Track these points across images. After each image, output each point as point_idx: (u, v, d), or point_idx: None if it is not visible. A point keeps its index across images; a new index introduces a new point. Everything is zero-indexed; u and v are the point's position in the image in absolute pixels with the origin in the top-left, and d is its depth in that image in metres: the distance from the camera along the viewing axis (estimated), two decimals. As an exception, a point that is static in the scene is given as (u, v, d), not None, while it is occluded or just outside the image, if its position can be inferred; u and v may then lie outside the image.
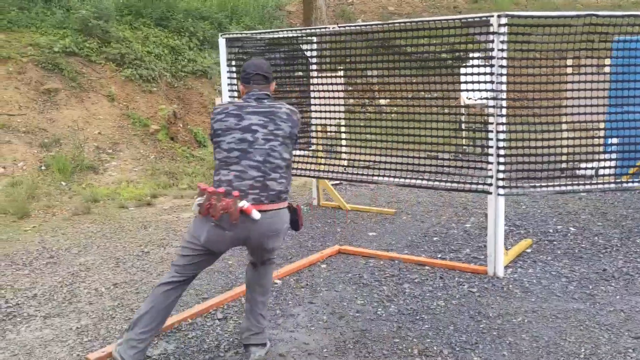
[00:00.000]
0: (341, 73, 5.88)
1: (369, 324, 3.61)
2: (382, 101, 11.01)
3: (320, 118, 5.65)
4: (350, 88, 7.81)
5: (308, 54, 5.86)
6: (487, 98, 4.30)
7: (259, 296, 3.27)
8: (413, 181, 4.73)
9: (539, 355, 3.16)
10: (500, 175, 4.21)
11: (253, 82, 3.18)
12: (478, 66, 4.31)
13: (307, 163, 5.54)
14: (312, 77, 5.94)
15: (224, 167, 3.00)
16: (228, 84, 5.59)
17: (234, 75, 5.62)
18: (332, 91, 5.42)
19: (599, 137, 5.09)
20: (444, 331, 3.49)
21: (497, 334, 3.43)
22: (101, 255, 5.12)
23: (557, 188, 4.49)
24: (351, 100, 8.60)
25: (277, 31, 5.75)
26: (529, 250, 4.89)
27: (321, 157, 6.14)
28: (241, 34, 5.90)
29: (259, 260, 3.24)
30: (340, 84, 5.73)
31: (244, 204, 2.89)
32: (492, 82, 4.18)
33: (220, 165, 3.02)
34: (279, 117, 3.08)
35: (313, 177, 6.19)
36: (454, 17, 4.48)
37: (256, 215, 2.89)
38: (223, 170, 3.00)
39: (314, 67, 5.98)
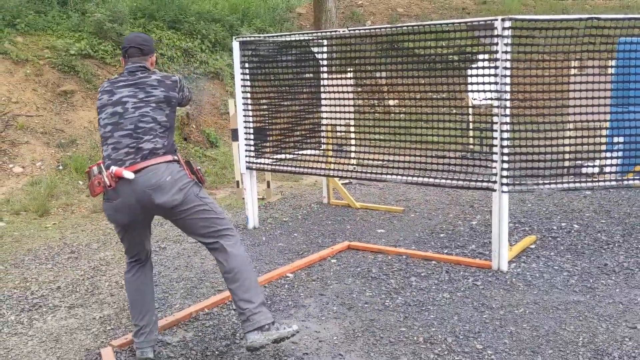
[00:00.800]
0: (350, 75, 6.06)
1: (377, 314, 3.79)
2: (391, 102, 11.17)
3: (330, 118, 5.84)
4: (359, 89, 7.99)
5: (319, 56, 6.04)
6: (491, 98, 4.47)
7: (229, 284, 3.16)
8: (420, 179, 4.89)
9: (539, 344, 3.33)
10: (504, 173, 4.36)
11: (129, 56, 3.25)
12: (483, 68, 4.47)
13: (317, 162, 5.71)
14: (323, 79, 6.12)
15: (104, 142, 3.12)
16: (242, 86, 5.78)
17: (247, 77, 5.80)
18: (342, 92, 5.59)
19: (601, 136, 5.22)
20: (449, 321, 3.65)
21: (499, 323, 3.60)
22: (119, 250, 5.33)
23: (560, 186, 4.64)
24: (360, 101, 8.77)
25: (290, 34, 5.94)
26: (532, 246, 5.04)
27: (331, 157, 6.32)
28: (255, 37, 6.09)
29: (192, 230, 3.17)
30: (350, 85, 5.90)
31: (112, 169, 2.99)
32: (496, 83, 4.34)
33: (102, 142, 3.15)
34: (149, 84, 3.16)
35: (323, 175, 6.38)
36: (461, 20, 4.64)
37: (128, 174, 2.97)
38: (103, 146, 3.12)
39: (324, 69, 6.16)
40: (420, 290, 4.18)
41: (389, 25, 5.27)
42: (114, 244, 5.53)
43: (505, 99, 4.31)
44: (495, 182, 4.41)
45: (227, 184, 8.28)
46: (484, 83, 4.47)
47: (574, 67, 5.84)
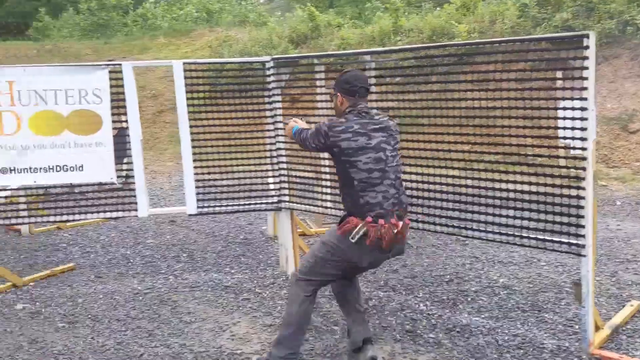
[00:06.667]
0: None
1: None
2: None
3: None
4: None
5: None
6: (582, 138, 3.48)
7: (360, 305, 3.52)
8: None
9: None
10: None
11: (359, 96, 3.26)
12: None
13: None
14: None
15: (368, 188, 3.11)
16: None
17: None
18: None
19: None
20: None
21: None
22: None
23: None
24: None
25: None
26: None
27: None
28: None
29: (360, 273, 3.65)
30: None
31: (407, 226, 3.24)
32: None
33: (363, 187, 3.11)
34: (392, 130, 3.26)
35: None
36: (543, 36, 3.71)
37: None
38: (369, 192, 3.10)
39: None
40: None
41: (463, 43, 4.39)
42: None
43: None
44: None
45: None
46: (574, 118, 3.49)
47: None
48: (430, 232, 5.19)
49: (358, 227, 3.06)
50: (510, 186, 3.81)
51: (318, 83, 4.67)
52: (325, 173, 4.74)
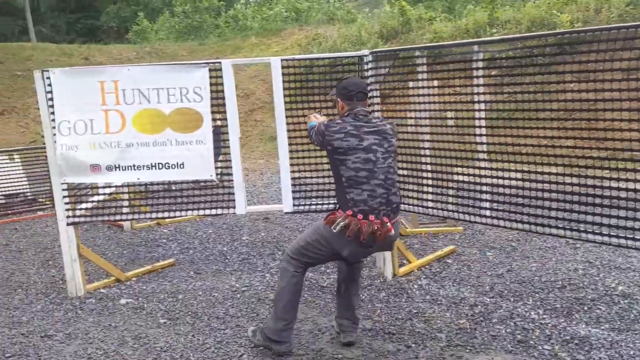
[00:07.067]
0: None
1: None
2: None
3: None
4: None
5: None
6: None
7: (355, 290, 3.74)
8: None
9: None
10: None
11: (356, 99, 3.47)
12: None
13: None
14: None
15: (355, 186, 3.31)
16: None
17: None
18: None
19: None
20: None
21: None
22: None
23: None
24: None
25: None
26: None
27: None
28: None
29: (359, 261, 3.69)
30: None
31: (388, 224, 3.29)
32: None
33: (350, 184, 3.32)
34: (388, 133, 3.42)
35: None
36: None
37: (392, 232, 3.34)
38: (354, 189, 3.31)
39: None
40: None
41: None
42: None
43: None
44: None
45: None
46: None
47: None
48: (538, 234, 4.87)
49: (339, 219, 3.31)
50: (622, 184, 3.47)
51: (420, 76, 4.45)
52: (427, 171, 4.52)
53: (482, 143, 4.11)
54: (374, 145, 3.35)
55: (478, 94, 3.99)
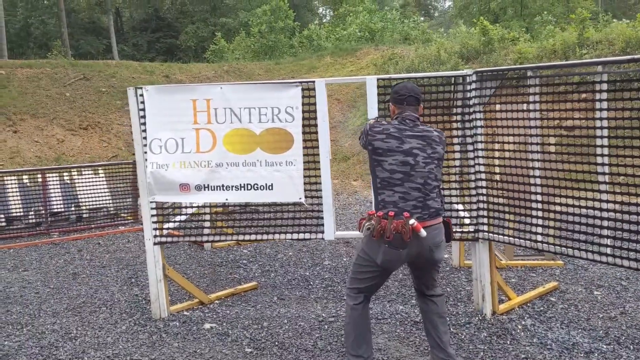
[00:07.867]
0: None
1: None
2: None
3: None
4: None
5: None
6: None
7: (444, 328, 3.49)
8: None
9: None
10: None
11: (407, 104, 3.43)
12: None
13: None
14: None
15: (387, 187, 3.28)
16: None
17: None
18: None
19: None
20: None
21: None
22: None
23: None
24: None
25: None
26: None
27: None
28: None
29: (426, 280, 3.48)
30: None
31: (413, 222, 3.15)
32: None
33: (383, 185, 3.30)
34: (434, 140, 3.35)
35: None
36: None
37: (423, 233, 3.17)
38: (387, 190, 3.28)
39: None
40: None
41: None
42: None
43: None
44: None
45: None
46: None
47: None
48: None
49: (365, 221, 3.26)
50: None
51: (532, 99, 4.09)
52: (537, 202, 4.14)
53: (603, 173, 3.70)
54: (416, 149, 3.29)
55: (601, 119, 3.60)
